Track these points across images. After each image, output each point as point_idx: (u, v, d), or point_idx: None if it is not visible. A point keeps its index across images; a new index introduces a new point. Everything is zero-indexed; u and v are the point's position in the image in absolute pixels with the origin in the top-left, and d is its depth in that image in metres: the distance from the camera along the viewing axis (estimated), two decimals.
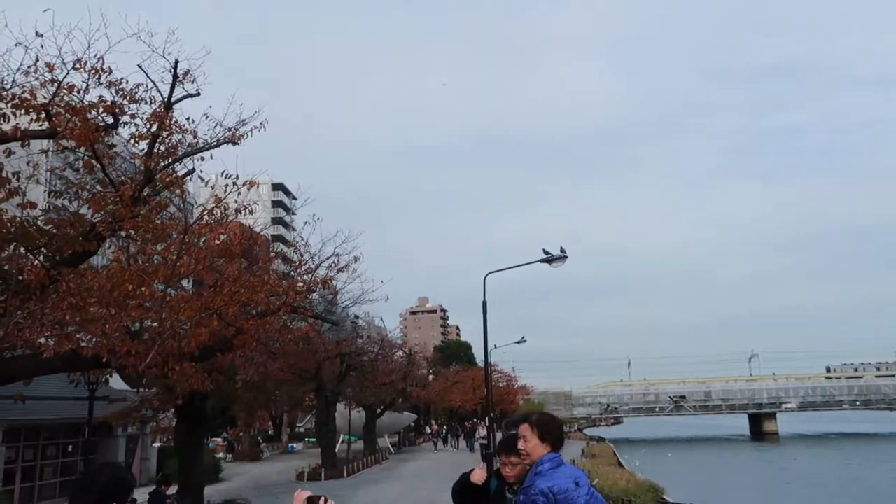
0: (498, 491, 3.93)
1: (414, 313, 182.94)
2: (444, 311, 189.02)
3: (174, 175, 10.60)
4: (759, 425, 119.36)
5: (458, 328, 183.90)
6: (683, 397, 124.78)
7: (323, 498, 2.88)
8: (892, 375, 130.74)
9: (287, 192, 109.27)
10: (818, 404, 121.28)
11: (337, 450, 35.62)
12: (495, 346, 47.64)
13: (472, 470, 4.11)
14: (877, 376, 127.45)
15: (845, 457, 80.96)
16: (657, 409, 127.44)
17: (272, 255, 22.77)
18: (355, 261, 13.84)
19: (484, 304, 18.08)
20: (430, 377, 65.25)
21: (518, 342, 38.43)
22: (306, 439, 49.43)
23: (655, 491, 43.70)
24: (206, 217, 11.02)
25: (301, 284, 13.94)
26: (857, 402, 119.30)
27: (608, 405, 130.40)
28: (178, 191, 11.09)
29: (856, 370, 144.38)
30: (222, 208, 10.10)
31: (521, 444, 3.61)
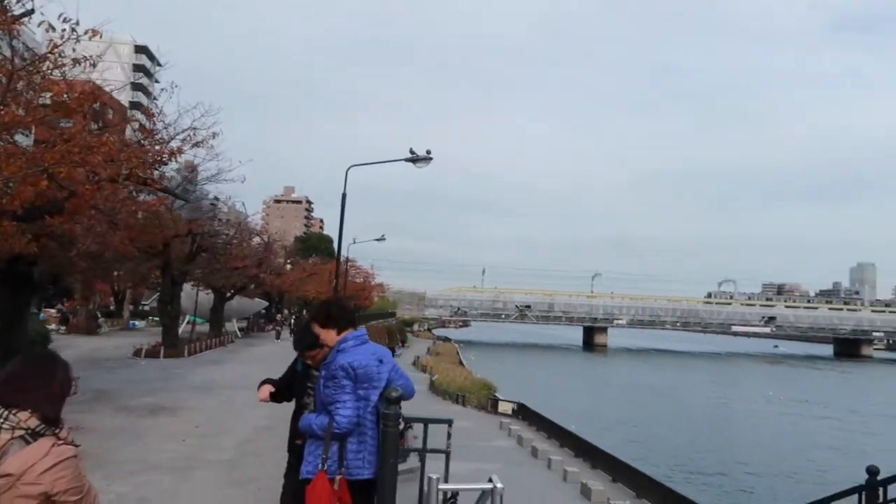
0: (304, 371, 4.07)
1: (278, 202, 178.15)
2: (309, 202, 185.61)
3: (8, 15, 9.38)
4: (592, 338, 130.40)
5: (322, 221, 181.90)
6: (528, 307, 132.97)
7: None
8: (774, 305, 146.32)
9: (152, 58, 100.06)
10: (645, 322, 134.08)
11: (182, 330, 34.88)
12: (354, 241, 47.87)
13: (266, 380, 4.20)
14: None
15: (659, 367, 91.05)
16: (503, 316, 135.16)
17: (127, 119, 20.96)
18: (214, 137, 13.09)
19: (343, 196, 17.95)
20: (288, 267, 64.71)
21: (378, 240, 38.85)
22: (150, 318, 47.86)
23: (489, 388, 47.06)
24: (46, 65, 9.90)
25: (150, 154, 13.06)
26: (678, 324, 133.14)
27: (458, 308, 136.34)
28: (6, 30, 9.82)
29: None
30: (56, 56, 9.08)
31: (320, 336, 3.74)
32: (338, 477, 3.30)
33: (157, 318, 47.06)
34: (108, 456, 9.15)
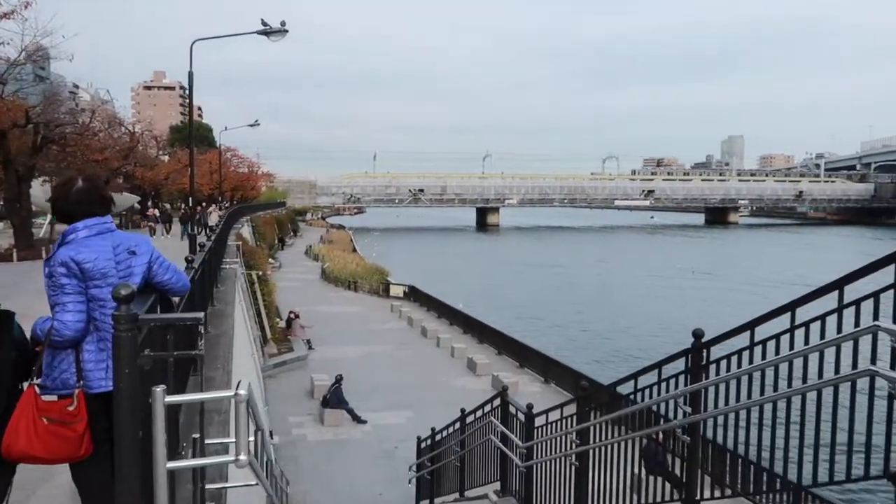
0: None
1: (148, 88, 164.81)
2: (183, 88, 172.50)
3: None
4: (485, 218, 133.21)
5: (200, 109, 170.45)
6: (422, 190, 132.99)
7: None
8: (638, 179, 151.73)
9: None
10: (535, 201, 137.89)
11: (43, 231, 32.07)
12: (225, 128, 45.12)
13: None
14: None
15: (548, 243, 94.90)
16: (397, 201, 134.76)
17: None
18: (25, 7, 11.10)
19: (190, 74, 16.23)
20: (166, 158, 60.51)
21: (251, 125, 36.58)
22: (4, 220, 43.74)
23: (381, 273, 47.39)
24: None
25: None
26: (566, 201, 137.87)
27: (352, 196, 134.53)
28: None
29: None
30: None
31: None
32: (76, 391, 2.69)
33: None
34: None
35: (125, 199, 40.04)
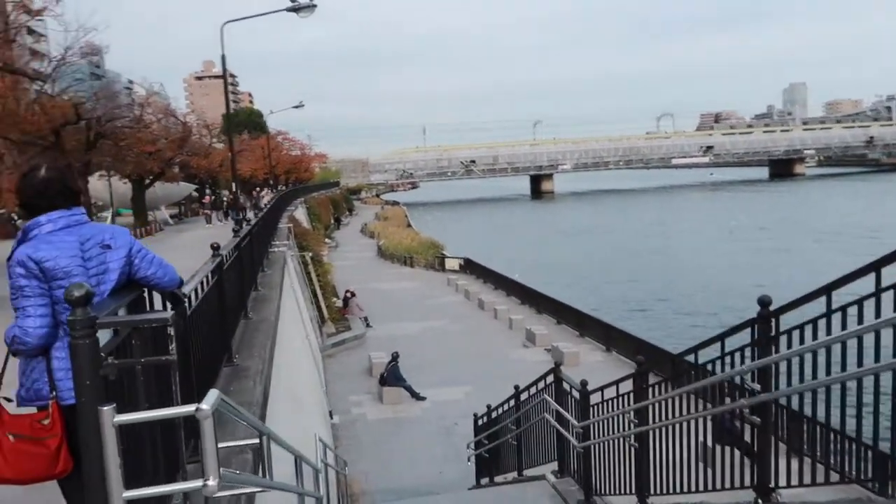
0: None
1: (199, 78, 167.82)
2: (233, 76, 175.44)
3: None
4: (539, 185, 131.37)
5: (250, 95, 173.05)
6: (473, 161, 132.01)
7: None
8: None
9: None
10: (589, 165, 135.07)
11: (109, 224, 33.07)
12: (271, 112, 45.40)
13: None
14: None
15: (604, 207, 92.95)
16: (450, 174, 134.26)
17: None
18: (57, 2, 11.08)
19: (223, 57, 16.12)
20: (220, 146, 61.56)
21: (296, 107, 36.66)
22: None
23: (436, 247, 47.23)
24: None
25: None
26: (621, 163, 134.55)
27: (404, 171, 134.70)
28: None
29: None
30: None
31: None
32: (50, 401, 2.43)
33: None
34: None
35: (182, 189, 40.92)
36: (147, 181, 32.49)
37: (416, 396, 16.56)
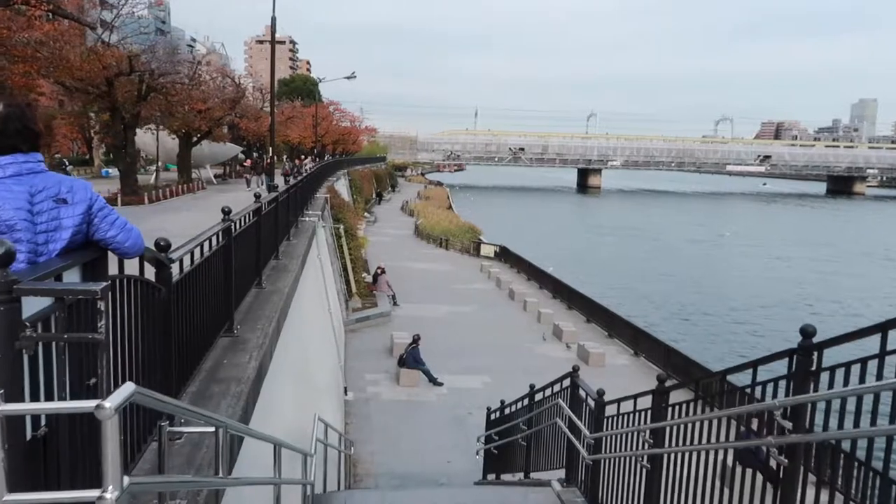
0: None
1: (260, 42, 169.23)
2: (293, 42, 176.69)
3: None
4: (586, 179, 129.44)
5: (308, 63, 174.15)
6: (522, 149, 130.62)
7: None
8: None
9: None
10: (640, 163, 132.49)
11: (154, 178, 33.49)
12: (320, 79, 45.24)
13: None
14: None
15: (650, 208, 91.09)
16: (497, 159, 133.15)
17: None
18: None
19: (272, 19, 15.87)
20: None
21: (348, 77, 36.50)
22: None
23: (474, 232, 46.81)
24: None
25: None
26: (673, 164, 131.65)
27: (452, 152, 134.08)
28: None
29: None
30: None
31: None
32: None
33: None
34: None
35: (229, 149, 41.23)
36: (194, 139, 32.80)
37: (433, 381, 16.32)
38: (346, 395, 14.82)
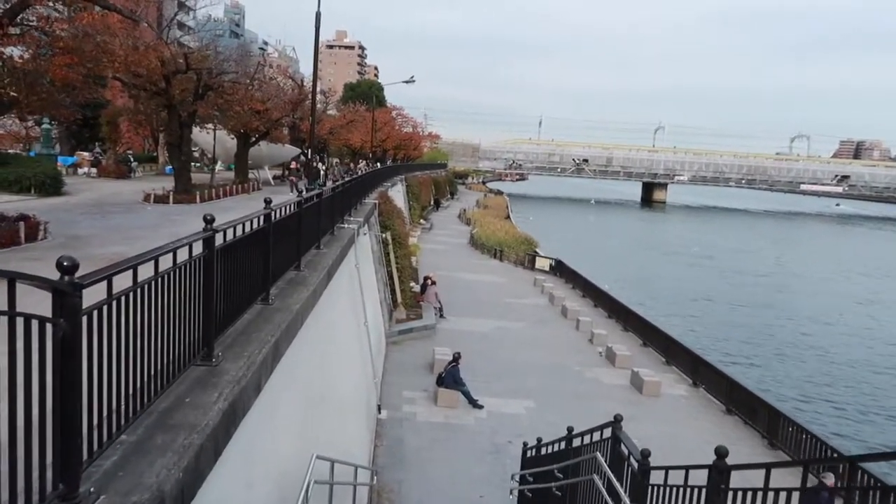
0: None
1: (330, 47, 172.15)
2: (362, 47, 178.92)
3: None
4: (651, 194, 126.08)
5: (376, 68, 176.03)
6: (586, 161, 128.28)
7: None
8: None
9: None
10: (708, 179, 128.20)
11: (211, 177, 33.73)
12: (380, 83, 44.80)
13: None
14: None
15: (718, 226, 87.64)
16: (560, 170, 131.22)
17: None
18: None
19: (317, 14, 15.28)
20: (333, 113, 62.21)
21: (406, 82, 35.98)
22: (193, 164, 47.04)
23: (530, 244, 45.55)
24: None
25: None
26: (743, 181, 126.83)
27: (513, 161, 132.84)
28: None
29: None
30: None
31: None
32: None
33: (198, 164, 46.15)
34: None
35: (287, 151, 41.26)
36: (252, 139, 32.86)
37: (473, 403, 15.36)
38: (379, 413, 14.04)
